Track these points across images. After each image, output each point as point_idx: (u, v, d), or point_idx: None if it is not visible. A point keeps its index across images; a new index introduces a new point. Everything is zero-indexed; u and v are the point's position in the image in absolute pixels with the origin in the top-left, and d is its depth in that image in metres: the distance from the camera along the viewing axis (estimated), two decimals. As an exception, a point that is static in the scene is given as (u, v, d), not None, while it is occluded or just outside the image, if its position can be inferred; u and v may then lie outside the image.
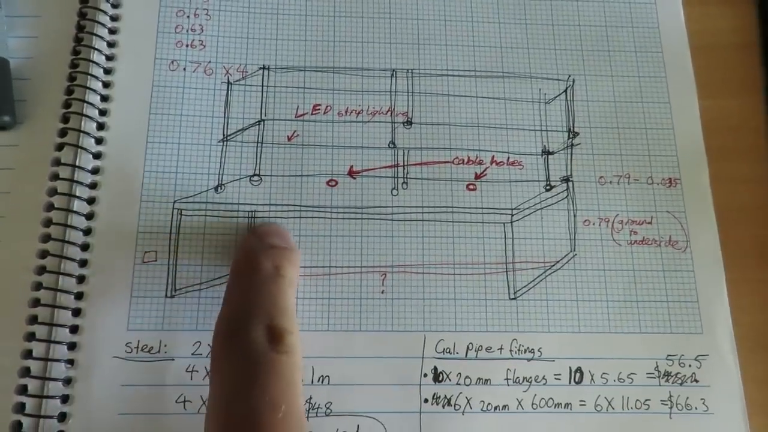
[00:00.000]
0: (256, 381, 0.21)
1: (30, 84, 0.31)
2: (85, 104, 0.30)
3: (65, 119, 0.30)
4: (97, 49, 0.31)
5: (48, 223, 0.29)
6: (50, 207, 0.29)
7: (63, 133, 0.30)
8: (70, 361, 0.27)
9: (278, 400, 0.21)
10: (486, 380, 0.29)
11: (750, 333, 0.30)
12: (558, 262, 0.30)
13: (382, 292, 0.29)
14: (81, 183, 0.29)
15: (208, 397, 0.23)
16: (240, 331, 0.23)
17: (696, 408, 0.29)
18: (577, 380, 0.29)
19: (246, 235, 0.28)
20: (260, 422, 0.20)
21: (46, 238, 0.29)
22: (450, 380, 0.28)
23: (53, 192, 0.29)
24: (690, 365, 0.29)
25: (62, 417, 0.26)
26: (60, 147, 0.30)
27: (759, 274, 0.32)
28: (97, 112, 0.30)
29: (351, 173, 0.31)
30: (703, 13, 0.35)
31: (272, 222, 0.29)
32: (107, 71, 0.31)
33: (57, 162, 0.30)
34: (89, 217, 0.29)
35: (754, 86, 0.35)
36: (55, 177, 0.29)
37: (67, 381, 0.27)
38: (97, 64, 0.31)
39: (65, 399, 0.27)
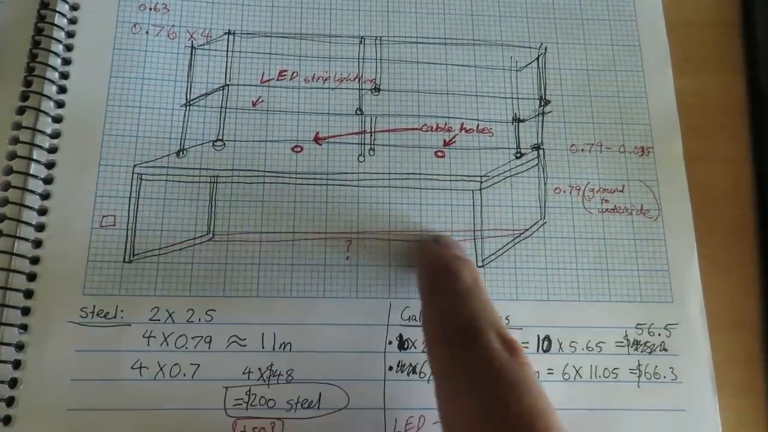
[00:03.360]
0: (512, 391, 0.20)
1: (-6, 48, 0.30)
2: (46, 68, 0.29)
3: (27, 83, 0.30)
4: (59, 12, 0.30)
5: (6, 186, 0.28)
6: (9, 171, 0.28)
7: (25, 97, 0.30)
8: (23, 326, 0.26)
9: (535, 409, 0.20)
10: (452, 348, 0.28)
11: (720, 310, 0.30)
12: (527, 230, 0.30)
13: (347, 259, 0.29)
14: (40, 147, 0.29)
15: (446, 405, 0.22)
16: (477, 340, 0.22)
17: (664, 377, 0.28)
18: (545, 348, 0.28)
19: (425, 241, 0.28)
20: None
21: (4, 201, 0.28)
22: (415, 348, 0.28)
23: (13, 156, 0.29)
24: (659, 334, 0.29)
25: (13, 383, 0.26)
26: (21, 111, 0.29)
27: (731, 253, 0.31)
28: (57, 75, 0.30)
29: (317, 139, 0.30)
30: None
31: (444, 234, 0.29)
32: (69, 34, 0.30)
33: (18, 126, 0.29)
34: (48, 181, 0.28)
35: (733, 65, 0.34)
36: (16, 141, 0.29)
37: (20, 346, 0.26)
38: (60, 27, 0.30)
39: (17, 364, 0.26)
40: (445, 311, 0.24)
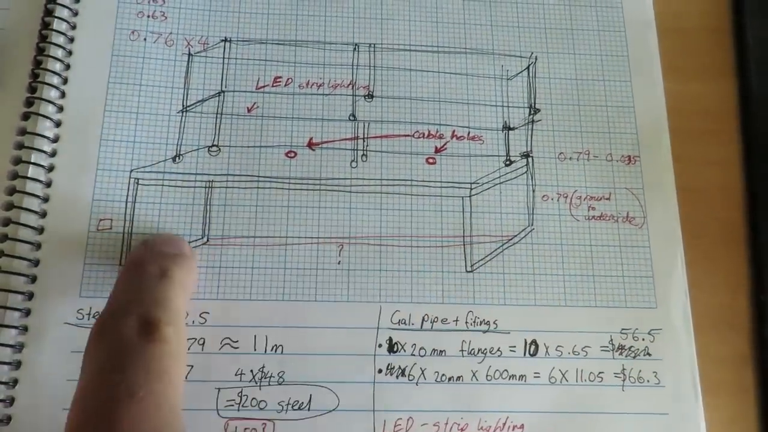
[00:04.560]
0: (117, 368, 0.21)
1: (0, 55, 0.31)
2: (47, 73, 0.30)
3: (32, 89, 0.30)
4: (61, 18, 0.31)
5: (11, 191, 0.29)
6: (14, 175, 0.29)
7: (29, 102, 0.30)
8: (24, 328, 0.27)
9: (136, 386, 0.20)
10: (441, 351, 0.29)
11: (711, 311, 0.31)
12: (516, 236, 0.31)
13: (339, 263, 0.29)
14: (41, 151, 0.29)
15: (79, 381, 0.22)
16: (111, 322, 0.22)
17: (648, 381, 0.29)
18: (531, 353, 0.29)
19: (136, 246, 0.28)
20: (113, 408, 0.19)
21: (9, 206, 0.28)
22: (405, 351, 0.28)
23: (17, 161, 0.29)
24: (643, 339, 0.29)
25: (14, 383, 0.26)
26: (26, 116, 0.30)
27: (721, 254, 0.32)
28: (58, 80, 0.30)
29: (310, 145, 0.31)
30: (671, -5, 0.35)
31: (165, 232, 0.29)
32: (70, 40, 0.31)
33: (22, 131, 0.30)
34: (48, 184, 0.29)
35: (724, 71, 0.35)
36: (20, 146, 0.29)
37: (19, 347, 0.27)
38: (61, 33, 0.31)
39: (17, 365, 0.27)
40: (108, 302, 0.24)
